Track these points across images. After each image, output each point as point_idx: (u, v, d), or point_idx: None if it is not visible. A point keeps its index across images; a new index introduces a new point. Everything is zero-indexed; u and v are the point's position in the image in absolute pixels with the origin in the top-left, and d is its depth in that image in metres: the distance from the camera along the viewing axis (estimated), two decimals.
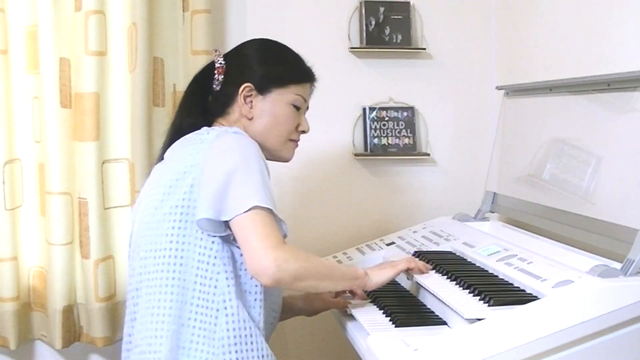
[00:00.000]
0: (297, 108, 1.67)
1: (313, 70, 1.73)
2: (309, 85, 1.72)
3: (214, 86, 1.68)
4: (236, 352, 1.48)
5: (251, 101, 1.64)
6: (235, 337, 1.48)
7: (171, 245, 1.51)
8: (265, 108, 1.64)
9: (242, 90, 1.63)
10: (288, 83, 1.66)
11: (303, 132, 1.71)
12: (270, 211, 1.46)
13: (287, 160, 1.72)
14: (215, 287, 1.50)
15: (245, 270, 1.52)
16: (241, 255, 1.51)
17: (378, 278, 1.65)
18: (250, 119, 1.64)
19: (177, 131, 1.66)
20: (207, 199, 1.47)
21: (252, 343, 1.50)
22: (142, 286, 1.55)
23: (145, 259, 1.55)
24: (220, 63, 1.68)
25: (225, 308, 1.49)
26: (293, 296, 1.87)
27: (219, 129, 1.59)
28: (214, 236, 1.50)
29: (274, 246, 1.43)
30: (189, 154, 1.56)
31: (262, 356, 1.51)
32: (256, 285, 1.54)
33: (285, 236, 1.52)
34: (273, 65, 1.67)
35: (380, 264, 1.76)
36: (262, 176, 1.50)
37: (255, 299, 1.54)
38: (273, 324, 1.67)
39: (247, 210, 1.44)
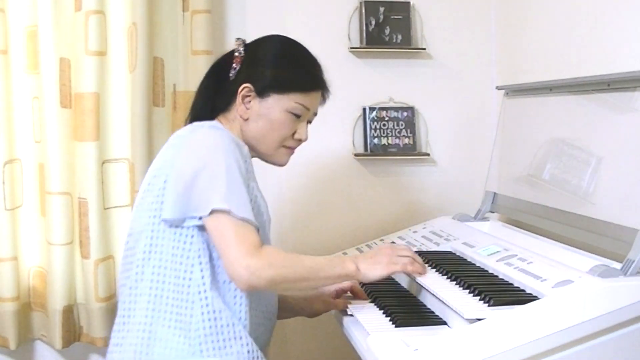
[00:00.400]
0: (297, 116, 1.64)
1: (325, 79, 1.70)
2: (316, 94, 1.68)
3: (230, 75, 1.66)
4: (212, 342, 1.49)
5: (249, 102, 1.63)
6: (211, 327, 1.49)
7: (146, 241, 1.54)
8: (261, 112, 1.63)
9: (241, 90, 1.63)
10: (289, 91, 1.63)
11: (300, 140, 1.68)
12: (230, 213, 1.45)
13: (280, 165, 1.71)
14: (190, 279, 1.51)
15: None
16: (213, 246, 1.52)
17: (372, 274, 1.60)
18: (246, 120, 1.64)
19: (191, 122, 1.67)
20: (172, 200, 1.49)
21: (229, 333, 1.50)
22: (127, 282, 1.58)
23: (127, 258, 1.59)
24: (240, 53, 1.66)
25: (200, 300, 1.50)
26: (294, 297, 1.87)
27: (196, 124, 1.60)
28: (187, 227, 1.51)
29: (247, 253, 1.43)
30: (166, 150, 1.58)
31: (242, 345, 1.51)
32: None
33: (258, 229, 1.50)
34: (280, 71, 1.64)
35: (379, 250, 1.66)
36: (229, 174, 1.48)
37: (236, 289, 1.53)
38: (270, 320, 1.67)
39: (209, 214, 1.46)
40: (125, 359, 1.52)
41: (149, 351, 1.50)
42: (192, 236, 1.52)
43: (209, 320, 1.49)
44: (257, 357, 1.54)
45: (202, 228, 1.51)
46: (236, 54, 1.66)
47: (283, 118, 1.63)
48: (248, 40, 1.71)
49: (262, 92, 1.62)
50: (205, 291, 1.50)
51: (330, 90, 1.72)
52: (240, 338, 1.51)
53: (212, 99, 1.67)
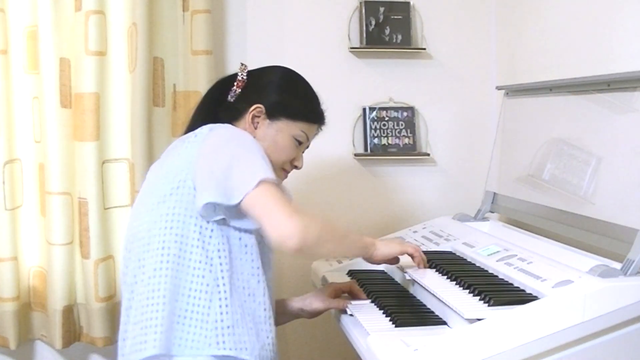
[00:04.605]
0: (299, 142, 1.71)
1: (325, 114, 1.77)
2: (316, 126, 1.76)
3: (229, 97, 1.72)
4: (229, 334, 1.50)
5: (258, 122, 1.68)
6: (228, 320, 1.51)
7: (166, 231, 1.54)
8: (268, 133, 1.68)
9: (253, 109, 1.67)
10: (298, 118, 1.69)
11: (296, 167, 1.75)
12: (275, 183, 1.50)
13: None
14: (210, 271, 1.52)
15: (246, 253, 1.56)
16: (240, 239, 1.55)
17: (385, 249, 1.69)
18: None
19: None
20: (213, 185, 1.49)
21: (244, 327, 1.52)
22: (138, 272, 1.57)
23: (142, 247, 1.58)
24: (242, 77, 1.72)
25: (219, 292, 1.52)
26: (292, 298, 1.87)
27: (214, 125, 1.62)
28: (209, 222, 1.53)
29: (295, 211, 1.47)
30: (184, 148, 1.59)
31: (258, 339, 1.53)
32: (257, 268, 1.57)
33: None
34: (290, 97, 1.71)
35: (389, 239, 1.79)
36: (261, 154, 1.54)
37: (253, 285, 1.56)
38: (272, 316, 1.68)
39: (256, 186, 1.47)
40: (149, 352, 1.51)
41: (168, 342, 1.50)
42: (212, 230, 1.54)
43: (227, 313, 1.51)
44: (273, 351, 1.56)
45: (222, 222, 1.53)
46: (239, 77, 1.72)
47: (288, 143, 1.69)
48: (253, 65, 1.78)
49: (272, 114, 1.68)
50: (224, 284, 1.52)
51: (324, 127, 1.79)
52: (257, 332, 1.54)
53: (214, 115, 1.71)
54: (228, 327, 1.51)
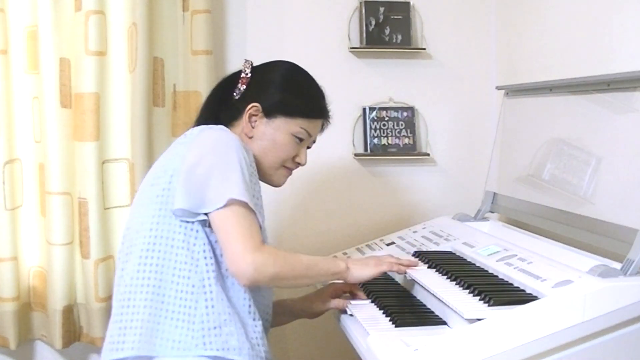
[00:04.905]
0: (300, 139, 1.70)
1: (329, 109, 1.76)
2: (319, 122, 1.74)
3: (234, 94, 1.71)
4: (215, 335, 1.50)
5: (255, 121, 1.67)
6: (215, 320, 1.50)
7: (150, 233, 1.54)
8: (266, 132, 1.67)
9: (249, 109, 1.66)
10: (296, 115, 1.68)
11: (299, 164, 1.73)
12: (247, 205, 1.49)
13: (276, 186, 1.75)
14: (195, 272, 1.52)
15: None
16: (217, 241, 1.54)
17: (359, 274, 1.68)
18: (250, 138, 1.67)
19: None
20: (186, 191, 1.51)
21: (232, 327, 1.51)
22: (123, 273, 1.58)
23: (129, 247, 1.59)
24: (246, 74, 1.71)
25: (205, 293, 1.51)
26: (293, 299, 1.87)
27: (205, 126, 1.62)
28: (192, 222, 1.53)
29: (253, 248, 1.47)
30: (175, 149, 1.60)
31: (245, 339, 1.52)
32: None
33: (260, 227, 1.55)
34: (289, 95, 1.69)
35: (366, 258, 1.79)
36: (242, 170, 1.52)
37: (241, 286, 1.56)
38: (267, 316, 1.68)
39: (225, 205, 1.48)
40: (126, 353, 1.51)
41: (150, 343, 1.49)
42: (197, 231, 1.54)
43: (213, 314, 1.50)
44: (261, 352, 1.56)
45: (205, 224, 1.53)
46: (242, 74, 1.71)
47: (287, 140, 1.68)
48: (256, 63, 1.76)
49: (269, 113, 1.67)
50: (210, 285, 1.52)
51: (330, 120, 1.79)
52: (244, 333, 1.53)
53: (215, 115, 1.71)
54: (215, 327, 1.50)
